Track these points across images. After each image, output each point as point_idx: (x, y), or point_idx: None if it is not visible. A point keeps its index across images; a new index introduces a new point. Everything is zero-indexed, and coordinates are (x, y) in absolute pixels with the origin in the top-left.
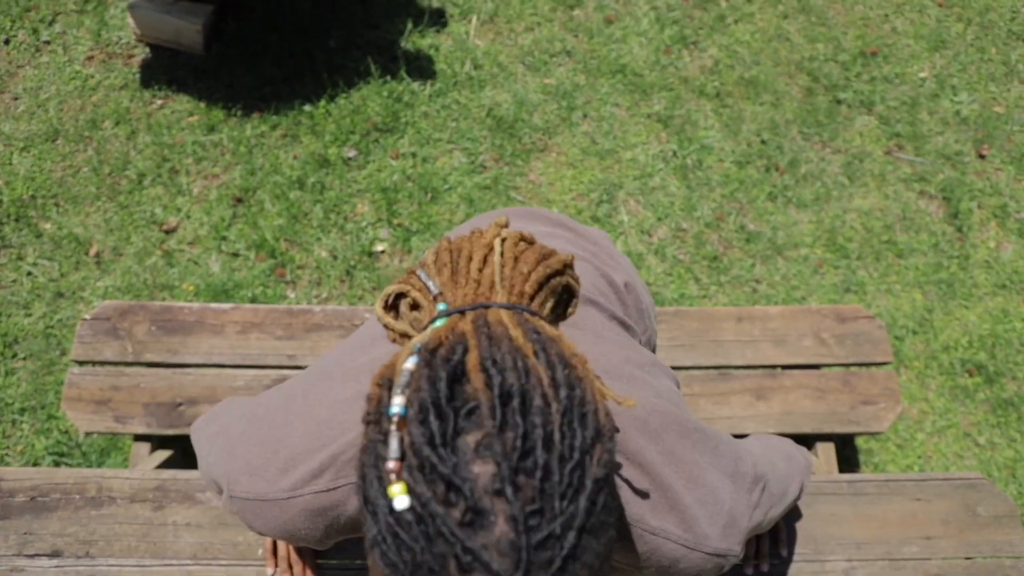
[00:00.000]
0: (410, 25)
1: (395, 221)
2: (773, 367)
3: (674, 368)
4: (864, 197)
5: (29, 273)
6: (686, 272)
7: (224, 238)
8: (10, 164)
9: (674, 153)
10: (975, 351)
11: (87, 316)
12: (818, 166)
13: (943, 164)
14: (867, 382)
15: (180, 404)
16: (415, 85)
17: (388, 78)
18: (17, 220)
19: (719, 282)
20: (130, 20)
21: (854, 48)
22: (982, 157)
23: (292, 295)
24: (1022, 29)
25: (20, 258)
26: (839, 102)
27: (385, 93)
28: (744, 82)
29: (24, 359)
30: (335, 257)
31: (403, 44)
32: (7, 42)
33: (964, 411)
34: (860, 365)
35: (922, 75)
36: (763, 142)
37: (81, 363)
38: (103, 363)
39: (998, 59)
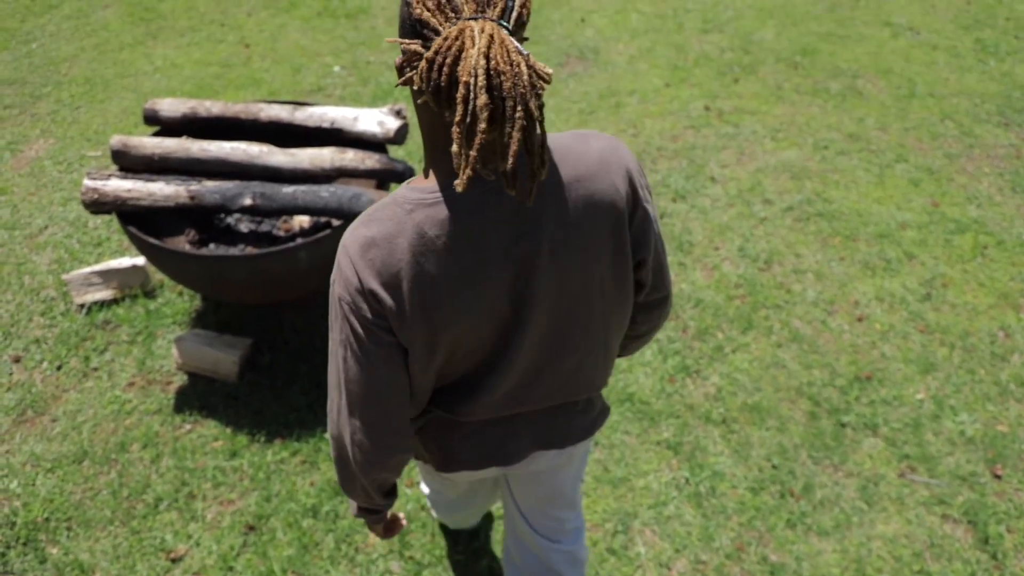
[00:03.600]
0: None
1: (407, 553)
2: None
3: None
4: (886, 523)
5: None
6: None
7: (231, 568)
8: (33, 485)
9: (686, 480)
10: None
11: None
12: (833, 491)
13: (960, 485)
14: None
15: None
16: None
17: None
18: (25, 544)
19: None
20: (174, 350)
21: (849, 373)
22: (998, 477)
23: None
24: (1004, 351)
25: None
26: (843, 425)
27: None
28: (748, 408)
29: None
30: None
31: None
32: (59, 368)
33: None
34: None
35: (919, 396)
36: (774, 467)
37: None
38: None
39: (988, 380)
